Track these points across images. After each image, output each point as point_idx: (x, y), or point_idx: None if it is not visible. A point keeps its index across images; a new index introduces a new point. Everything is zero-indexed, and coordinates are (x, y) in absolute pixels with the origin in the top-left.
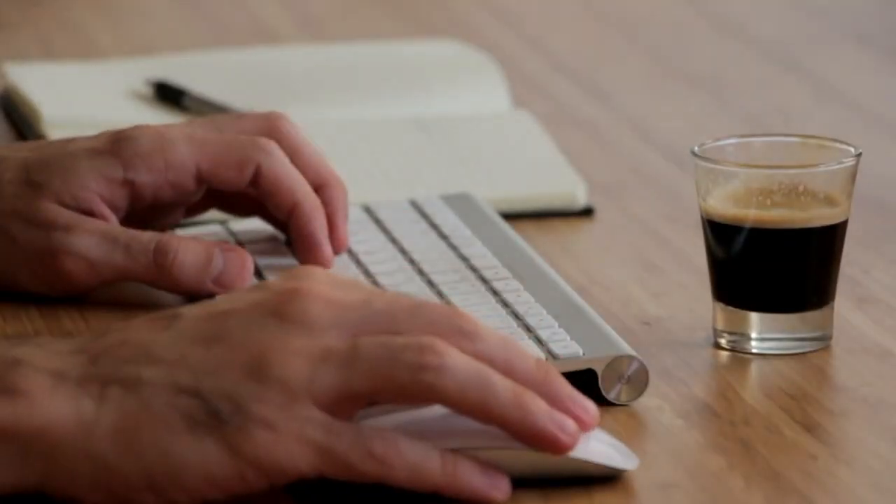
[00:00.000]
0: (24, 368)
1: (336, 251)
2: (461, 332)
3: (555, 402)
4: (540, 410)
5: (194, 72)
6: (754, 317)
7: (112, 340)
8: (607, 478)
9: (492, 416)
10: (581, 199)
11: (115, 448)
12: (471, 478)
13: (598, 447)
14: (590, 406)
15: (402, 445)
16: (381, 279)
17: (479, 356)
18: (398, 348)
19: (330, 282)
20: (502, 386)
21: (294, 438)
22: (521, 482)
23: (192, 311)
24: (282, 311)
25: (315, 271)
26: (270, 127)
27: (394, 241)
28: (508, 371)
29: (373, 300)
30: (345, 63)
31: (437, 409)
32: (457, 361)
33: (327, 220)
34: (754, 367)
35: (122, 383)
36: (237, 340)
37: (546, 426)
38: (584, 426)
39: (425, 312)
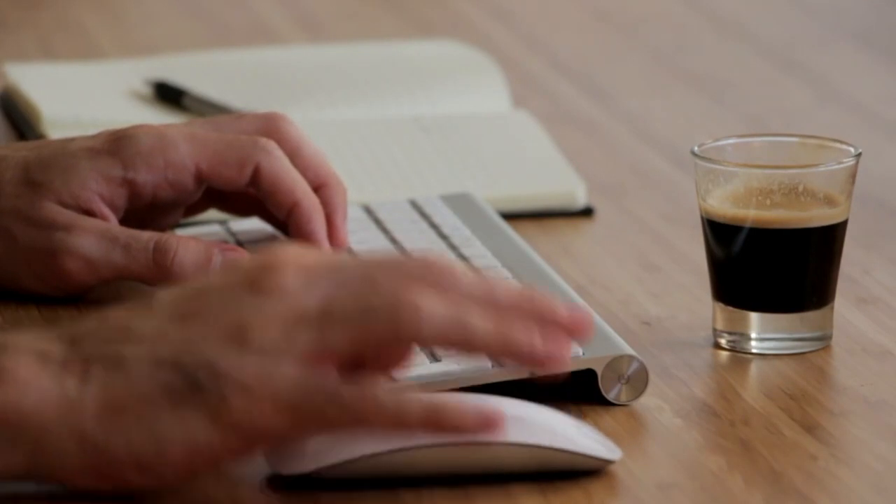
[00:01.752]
0: (8, 351)
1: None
2: (437, 280)
3: (544, 322)
4: (522, 341)
5: (194, 72)
6: (754, 317)
7: (91, 325)
8: (604, 476)
9: (476, 352)
10: (581, 199)
11: (100, 427)
12: (455, 419)
13: (584, 441)
14: (583, 316)
15: (380, 397)
16: None
17: (458, 296)
18: (373, 302)
19: (302, 253)
20: (482, 324)
21: (271, 401)
22: (521, 481)
23: (167, 293)
24: (256, 284)
25: (286, 247)
26: (270, 127)
27: (394, 241)
28: (491, 302)
29: (345, 264)
30: (345, 63)
31: None
32: (433, 308)
33: (326, 220)
34: (754, 367)
35: (103, 362)
36: (214, 314)
37: (532, 354)
38: (580, 336)
39: (399, 266)
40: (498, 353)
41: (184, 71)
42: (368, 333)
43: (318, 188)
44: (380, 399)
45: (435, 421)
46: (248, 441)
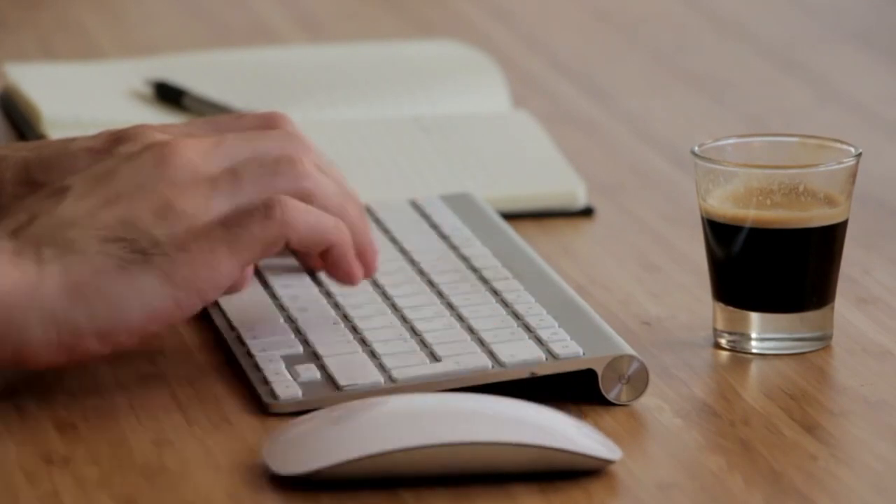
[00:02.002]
0: None
1: None
2: (302, 147)
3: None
4: (369, 237)
5: (194, 72)
6: (754, 317)
7: (20, 219)
8: (604, 476)
9: (351, 220)
10: (581, 199)
11: (64, 303)
12: (343, 258)
13: (584, 441)
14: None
15: (296, 207)
16: (381, 279)
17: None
18: (268, 159)
19: (181, 137)
20: (355, 196)
21: (209, 251)
22: (521, 481)
23: (76, 180)
24: (160, 160)
25: (157, 132)
26: (270, 126)
27: (394, 241)
28: (337, 181)
29: (224, 137)
30: (345, 63)
31: (434, 404)
32: (316, 172)
33: None
34: (754, 367)
35: (54, 246)
36: (134, 193)
37: (371, 253)
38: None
39: (272, 135)
40: (360, 231)
41: (184, 71)
42: (273, 185)
43: None
44: (302, 214)
45: (338, 256)
46: (197, 292)
